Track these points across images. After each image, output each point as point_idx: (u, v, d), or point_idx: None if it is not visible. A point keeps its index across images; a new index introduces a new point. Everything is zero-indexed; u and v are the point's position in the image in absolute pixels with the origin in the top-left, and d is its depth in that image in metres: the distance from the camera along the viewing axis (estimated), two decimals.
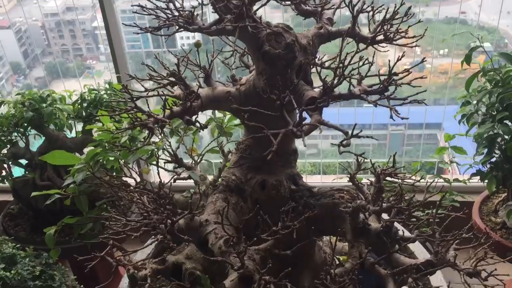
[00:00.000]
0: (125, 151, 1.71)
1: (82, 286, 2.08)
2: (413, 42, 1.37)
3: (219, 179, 1.55)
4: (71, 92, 2.47)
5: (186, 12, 1.42)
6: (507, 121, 2.09)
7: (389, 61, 1.25)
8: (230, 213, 1.42)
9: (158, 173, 1.63)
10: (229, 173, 1.55)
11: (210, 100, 1.47)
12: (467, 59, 2.10)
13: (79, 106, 2.40)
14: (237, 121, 2.05)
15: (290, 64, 1.34)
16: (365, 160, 1.67)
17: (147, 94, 1.44)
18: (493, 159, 2.15)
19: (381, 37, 1.40)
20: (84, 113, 2.42)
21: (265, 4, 1.30)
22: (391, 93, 1.26)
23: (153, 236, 1.27)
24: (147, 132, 1.31)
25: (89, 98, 2.39)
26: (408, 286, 1.52)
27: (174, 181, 1.39)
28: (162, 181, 1.43)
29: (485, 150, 2.14)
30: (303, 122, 1.21)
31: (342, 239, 1.75)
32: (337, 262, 1.73)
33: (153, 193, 1.32)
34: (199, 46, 1.72)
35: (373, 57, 1.34)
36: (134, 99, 1.38)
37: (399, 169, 1.60)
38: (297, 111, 1.34)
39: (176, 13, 1.41)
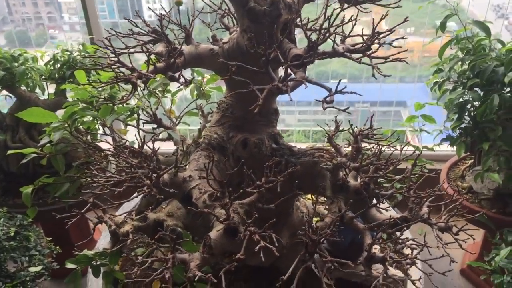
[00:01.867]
0: (104, 109, 1.69)
1: (57, 247, 2.07)
2: (396, 3, 1.39)
3: (201, 138, 1.55)
4: (42, 52, 2.40)
5: None
6: (477, 89, 2.16)
7: (373, 19, 1.28)
8: (213, 170, 1.44)
9: (138, 133, 1.62)
10: (211, 131, 1.56)
11: (193, 57, 1.47)
12: (442, 26, 2.14)
13: (51, 67, 2.34)
14: (215, 85, 2.05)
15: (275, 22, 1.35)
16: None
17: (129, 50, 1.43)
18: (463, 125, 2.23)
19: None
20: (57, 74, 2.36)
21: None
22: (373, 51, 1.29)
23: (137, 191, 1.28)
24: (125, 90, 1.31)
25: (62, 59, 2.33)
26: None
27: (154, 142, 1.39)
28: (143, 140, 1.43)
29: (455, 116, 2.21)
30: (288, 78, 1.23)
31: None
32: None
33: (136, 149, 1.32)
34: (180, 5, 1.70)
35: (356, 16, 1.36)
36: (117, 53, 1.37)
37: (376, 130, 1.64)
38: (280, 68, 1.36)
39: None
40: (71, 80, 2.38)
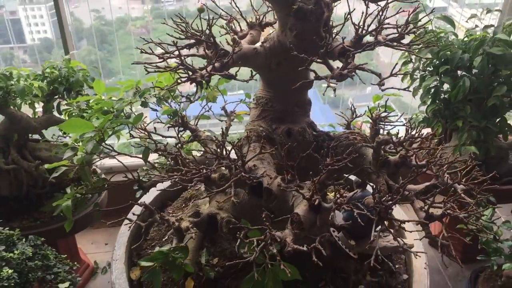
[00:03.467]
0: (137, 117, 1.73)
1: (75, 262, 2.04)
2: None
3: (246, 131, 1.65)
4: (27, 70, 2.34)
5: None
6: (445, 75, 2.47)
7: (409, 11, 1.47)
8: (270, 160, 1.55)
9: (178, 135, 1.69)
10: (255, 125, 1.67)
11: (239, 57, 1.57)
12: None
13: (41, 84, 2.29)
14: (223, 86, 2.15)
15: (320, 19, 1.50)
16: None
17: (179, 52, 1.50)
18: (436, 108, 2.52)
19: None
20: (46, 91, 2.32)
21: None
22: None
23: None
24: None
25: (51, 75, 2.29)
26: None
27: (224, 134, 1.48)
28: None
29: (430, 101, 2.50)
30: (348, 66, 1.38)
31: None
32: None
33: (217, 144, 1.41)
34: (202, 12, 1.79)
35: (386, 11, 1.55)
36: (171, 56, 1.45)
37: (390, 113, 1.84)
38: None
39: None
40: (60, 96, 2.36)
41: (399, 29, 1.51)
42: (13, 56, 3.81)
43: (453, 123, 2.47)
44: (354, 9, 1.40)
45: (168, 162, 1.71)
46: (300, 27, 1.51)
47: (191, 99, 1.69)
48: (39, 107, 2.40)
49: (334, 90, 1.33)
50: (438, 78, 2.44)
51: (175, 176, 1.45)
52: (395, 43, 1.51)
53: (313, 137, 1.68)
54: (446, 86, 2.50)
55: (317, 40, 1.48)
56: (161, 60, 1.50)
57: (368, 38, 1.51)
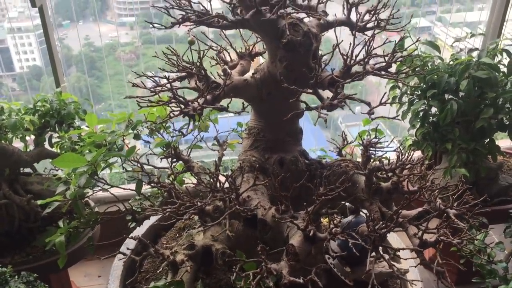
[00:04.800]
0: (130, 150, 1.74)
1: None
2: (403, 28, 1.65)
3: (238, 162, 1.66)
4: (18, 104, 2.34)
5: (201, 9, 1.54)
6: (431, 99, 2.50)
7: (395, 41, 1.51)
8: (264, 190, 1.56)
9: (171, 163, 1.70)
10: (247, 155, 1.68)
11: (230, 89, 1.59)
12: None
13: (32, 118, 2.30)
14: (214, 115, 2.17)
15: (309, 50, 1.53)
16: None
17: (171, 86, 1.52)
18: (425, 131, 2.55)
19: (371, 24, 1.65)
20: (38, 124, 2.32)
21: (285, 6, 1.47)
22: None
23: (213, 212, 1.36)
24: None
25: (43, 109, 2.30)
26: None
27: (217, 165, 1.49)
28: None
29: (418, 124, 2.54)
30: (338, 96, 1.41)
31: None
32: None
33: (212, 173, 1.42)
34: (193, 44, 1.82)
35: (372, 41, 1.58)
36: (163, 89, 1.47)
37: (381, 139, 1.86)
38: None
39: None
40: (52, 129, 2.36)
41: (386, 58, 1.54)
42: (1, 84, 3.82)
43: (442, 146, 2.50)
44: (342, 40, 1.44)
45: (161, 194, 1.71)
46: (290, 58, 1.54)
47: (184, 132, 1.71)
48: (30, 140, 2.39)
49: (325, 120, 1.35)
50: (426, 102, 2.48)
51: (169, 209, 1.45)
52: (383, 72, 1.54)
53: (306, 165, 1.69)
54: (434, 109, 2.54)
55: (306, 71, 1.51)
56: (153, 93, 1.52)
57: (357, 68, 1.54)
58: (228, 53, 1.95)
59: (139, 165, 1.71)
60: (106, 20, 4.34)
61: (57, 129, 2.33)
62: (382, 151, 1.85)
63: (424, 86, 2.50)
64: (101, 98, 4.19)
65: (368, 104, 1.45)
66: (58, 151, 2.34)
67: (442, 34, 3.92)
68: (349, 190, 1.67)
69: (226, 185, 1.50)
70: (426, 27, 4.23)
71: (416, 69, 2.54)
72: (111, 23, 4.24)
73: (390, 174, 1.63)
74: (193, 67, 1.59)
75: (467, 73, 2.33)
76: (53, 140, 2.40)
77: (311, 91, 1.45)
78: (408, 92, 2.59)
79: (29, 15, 3.63)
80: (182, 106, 1.44)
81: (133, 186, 1.86)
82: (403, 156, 1.66)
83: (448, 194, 1.74)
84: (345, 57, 1.49)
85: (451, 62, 2.49)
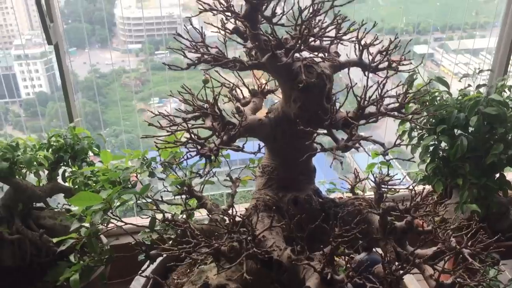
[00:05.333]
0: (144, 188, 1.76)
1: None
2: (414, 68, 1.68)
3: (253, 200, 1.67)
4: (32, 139, 2.38)
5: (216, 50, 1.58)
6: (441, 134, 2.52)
7: (404, 85, 1.53)
8: (278, 229, 1.56)
9: (185, 202, 1.71)
10: (261, 194, 1.69)
11: (245, 129, 1.61)
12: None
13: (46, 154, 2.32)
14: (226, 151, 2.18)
15: (323, 91, 1.56)
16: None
17: (187, 126, 1.54)
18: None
19: (384, 65, 1.68)
20: (52, 159, 2.34)
21: (301, 50, 1.50)
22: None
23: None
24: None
25: (57, 144, 2.33)
26: None
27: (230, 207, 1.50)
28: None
29: (429, 159, 2.55)
30: (352, 138, 1.43)
31: None
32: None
33: (227, 217, 1.43)
34: (207, 82, 1.85)
35: (385, 81, 1.61)
36: (178, 129, 1.50)
37: (393, 176, 1.87)
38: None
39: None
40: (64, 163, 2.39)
41: (399, 99, 1.57)
42: (8, 110, 3.86)
43: (453, 181, 2.51)
44: (356, 83, 1.46)
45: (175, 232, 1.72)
46: (303, 99, 1.56)
47: (201, 173, 1.72)
48: (43, 175, 2.41)
49: (341, 162, 1.36)
50: (435, 137, 2.49)
51: (185, 250, 1.46)
52: (396, 113, 1.56)
53: (319, 204, 1.70)
54: (443, 144, 2.55)
55: (321, 113, 1.53)
56: (169, 133, 1.55)
57: (370, 109, 1.56)
58: (241, 90, 1.98)
59: (153, 202, 1.72)
60: (112, 47, 4.43)
61: (70, 163, 2.36)
62: (394, 189, 1.86)
63: (434, 120, 2.52)
64: (106, 124, 4.25)
65: (382, 144, 1.47)
66: (71, 185, 2.36)
67: (445, 61, 3.98)
68: (364, 230, 1.68)
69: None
70: (428, 53, 4.29)
71: (425, 104, 2.57)
72: (117, 50, 4.33)
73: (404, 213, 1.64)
74: (207, 105, 1.62)
75: (477, 109, 2.36)
76: (66, 174, 2.42)
77: (325, 132, 1.46)
78: (418, 126, 2.61)
79: (36, 42, 3.73)
80: (199, 147, 1.46)
81: (143, 220, 1.87)
82: (416, 198, 1.67)
83: (462, 233, 1.75)
84: (359, 99, 1.51)
85: (460, 97, 2.51)
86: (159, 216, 1.76)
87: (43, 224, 2.38)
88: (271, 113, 1.67)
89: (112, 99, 3.87)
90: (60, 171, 2.43)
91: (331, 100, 1.62)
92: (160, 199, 1.84)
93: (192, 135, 1.44)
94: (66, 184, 2.41)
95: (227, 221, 1.47)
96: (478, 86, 2.58)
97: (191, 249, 1.46)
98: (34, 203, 2.43)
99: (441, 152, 2.55)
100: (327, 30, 1.56)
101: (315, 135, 1.48)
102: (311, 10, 1.49)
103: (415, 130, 2.64)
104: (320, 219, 1.46)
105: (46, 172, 2.41)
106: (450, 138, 2.46)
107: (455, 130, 2.49)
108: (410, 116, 1.57)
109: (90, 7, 3.95)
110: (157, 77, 3.69)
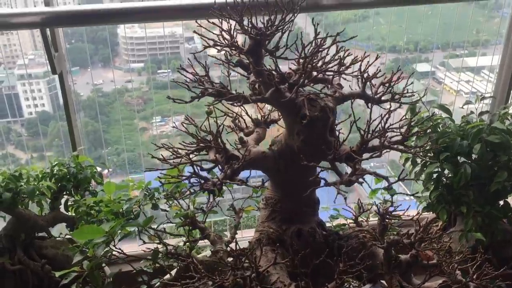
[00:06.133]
0: (147, 220, 1.75)
1: None
2: (417, 101, 1.68)
3: (256, 233, 1.66)
4: (35, 168, 2.38)
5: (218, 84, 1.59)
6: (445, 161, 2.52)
7: (407, 118, 1.54)
8: (283, 264, 1.55)
9: (188, 233, 1.70)
10: (265, 226, 1.68)
11: (248, 162, 1.61)
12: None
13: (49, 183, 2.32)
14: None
15: (327, 124, 1.56)
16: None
17: (190, 159, 1.54)
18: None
19: (387, 96, 1.69)
20: (54, 189, 2.34)
21: (304, 84, 1.52)
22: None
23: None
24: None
25: (60, 173, 2.33)
26: None
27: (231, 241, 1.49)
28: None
29: (432, 187, 2.54)
30: (356, 172, 1.42)
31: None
32: None
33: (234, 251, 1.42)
34: (210, 114, 1.86)
35: (388, 114, 1.61)
36: (182, 162, 1.50)
37: (398, 207, 1.86)
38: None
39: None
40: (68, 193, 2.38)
41: (402, 132, 1.57)
42: (10, 130, 3.87)
43: (457, 208, 2.49)
44: (359, 117, 1.46)
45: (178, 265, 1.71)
46: (307, 132, 1.57)
47: (204, 209, 1.72)
48: (46, 204, 2.40)
49: (345, 198, 1.36)
50: (439, 164, 2.49)
51: (188, 285, 1.44)
52: (399, 146, 1.56)
53: (323, 237, 1.69)
54: (447, 171, 2.54)
55: (324, 147, 1.53)
56: (172, 166, 1.55)
57: (373, 142, 1.56)
58: (243, 119, 1.99)
59: (156, 235, 1.72)
60: (115, 66, 4.46)
61: (73, 192, 2.35)
62: (399, 218, 1.85)
63: (435, 148, 2.52)
64: (107, 143, 4.26)
65: (386, 178, 1.47)
66: (73, 214, 2.35)
67: (446, 79, 4.00)
68: (368, 264, 1.66)
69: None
70: (429, 71, 4.33)
71: (427, 131, 2.57)
72: (119, 69, 4.37)
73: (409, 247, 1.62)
74: (210, 137, 1.62)
75: (480, 137, 2.36)
76: (69, 203, 2.42)
77: (329, 166, 1.46)
78: (421, 154, 2.61)
79: (39, 62, 3.75)
80: (202, 181, 1.46)
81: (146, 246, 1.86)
82: (421, 231, 1.66)
83: (467, 265, 1.73)
84: (362, 132, 1.51)
85: (462, 124, 2.51)
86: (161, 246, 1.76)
87: (45, 254, 2.36)
88: (275, 145, 1.67)
89: (114, 118, 3.89)
90: (63, 200, 2.43)
91: (335, 133, 1.62)
92: (163, 230, 1.84)
93: (196, 169, 1.44)
94: (69, 213, 2.40)
95: (230, 257, 1.46)
96: (481, 113, 2.58)
97: (194, 286, 1.45)
98: (36, 233, 2.42)
99: (444, 180, 2.54)
100: (329, 65, 1.57)
101: (319, 170, 1.48)
102: (313, 45, 1.51)
103: (419, 157, 2.63)
104: (324, 255, 1.45)
105: (49, 201, 2.40)
106: (454, 166, 2.45)
107: (459, 158, 2.49)
108: (413, 150, 1.56)
109: (93, 27, 3.98)
110: (159, 95, 3.72)
